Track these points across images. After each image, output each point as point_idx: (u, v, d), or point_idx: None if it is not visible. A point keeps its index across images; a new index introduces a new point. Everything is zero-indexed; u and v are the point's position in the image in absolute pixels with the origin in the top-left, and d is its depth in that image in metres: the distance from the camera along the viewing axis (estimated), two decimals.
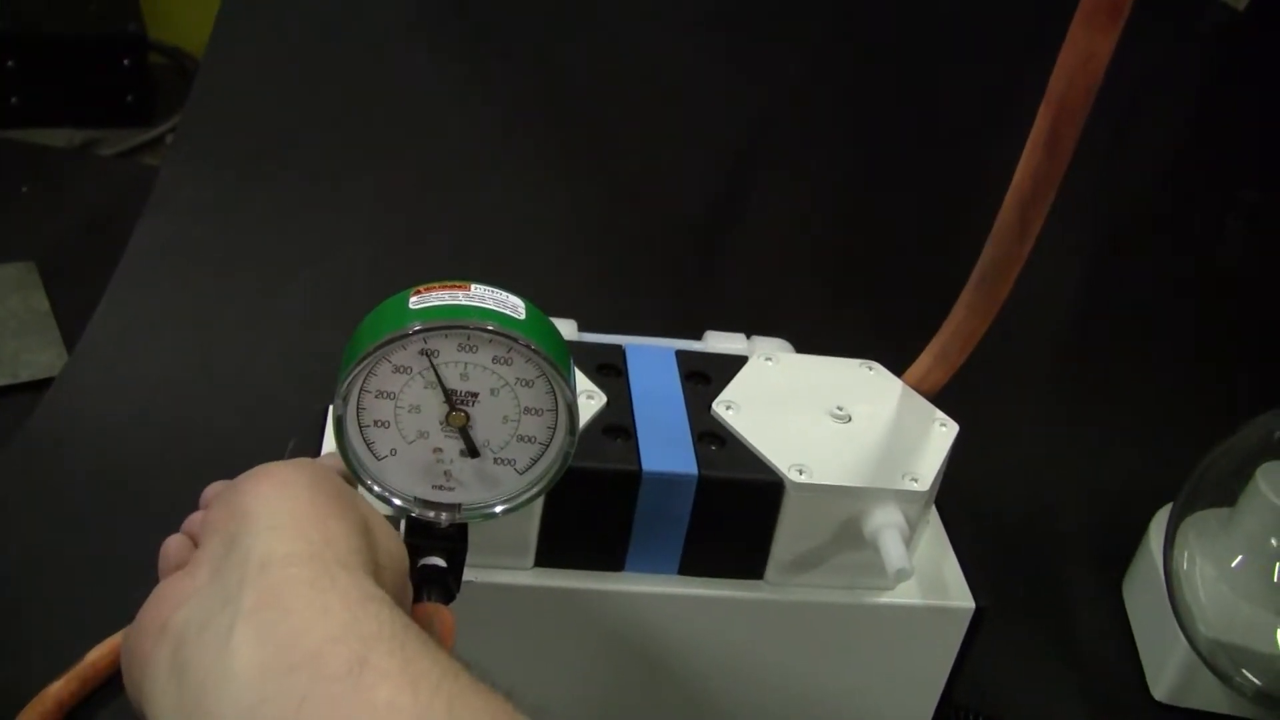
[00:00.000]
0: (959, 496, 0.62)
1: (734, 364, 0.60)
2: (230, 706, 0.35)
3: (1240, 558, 0.65)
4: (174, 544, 0.46)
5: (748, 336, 0.64)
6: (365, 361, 0.44)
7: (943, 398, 0.60)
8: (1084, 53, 0.47)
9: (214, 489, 0.47)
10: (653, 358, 0.60)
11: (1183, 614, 0.67)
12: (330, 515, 0.41)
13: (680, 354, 0.60)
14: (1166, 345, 0.93)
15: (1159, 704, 0.73)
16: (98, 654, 0.65)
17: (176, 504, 0.49)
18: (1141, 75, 0.85)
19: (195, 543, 0.45)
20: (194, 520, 0.47)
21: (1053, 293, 0.91)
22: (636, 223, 0.86)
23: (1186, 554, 0.67)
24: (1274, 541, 0.65)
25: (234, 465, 0.44)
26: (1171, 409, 0.89)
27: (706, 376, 0.59)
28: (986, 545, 0.69)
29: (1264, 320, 0.92)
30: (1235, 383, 0.89)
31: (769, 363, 0.60)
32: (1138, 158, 0.91)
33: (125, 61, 1.19)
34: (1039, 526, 0.84)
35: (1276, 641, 0.63)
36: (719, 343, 0.63)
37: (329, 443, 0.57)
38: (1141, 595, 0.77)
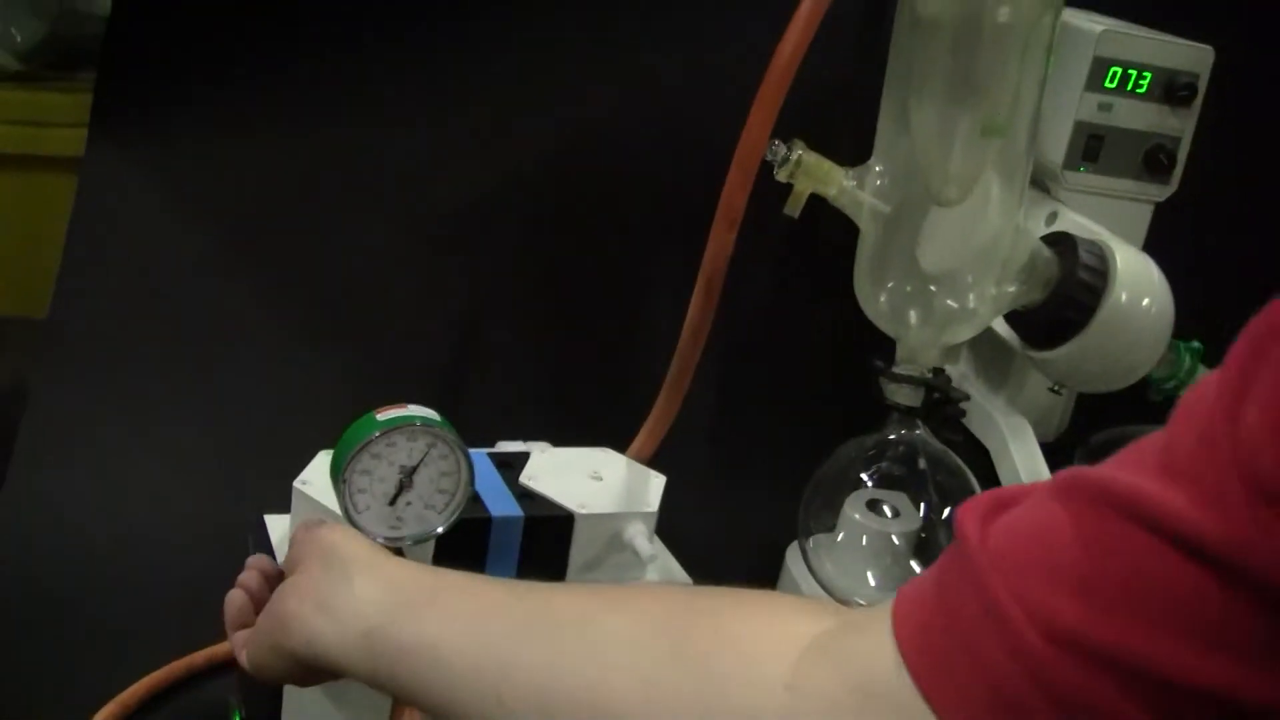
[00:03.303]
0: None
1: (524, 456, 0.95)
2: (368, 608, 0.67)
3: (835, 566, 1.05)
4: (237, 597, 0.76)
5: (524, 440, 0.99)
6: (358, 454, 0.77)
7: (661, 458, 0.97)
8: (719, 241, 0.86)
9: (261, 560, 0.78)
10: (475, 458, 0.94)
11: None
12: (359, 540, 0.74)
13: (490, 455, 0.95)
14: (817, 394, 1.28)
15: None
16: None
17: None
18: None
19: (250, 594, 0.76)
20: (247, 580, 0.77)
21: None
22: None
23: (803, 571, 1.05)
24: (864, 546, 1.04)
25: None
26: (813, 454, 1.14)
27: (510, 464, 0.94)
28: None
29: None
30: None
31: (545, 453, 0.96)
32: None
33: None
34: (708, 551, 1.15)
35: None
36: (509, 446, 0.98)
37: (273, 531, 0.88)
38: None
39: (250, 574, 0.77)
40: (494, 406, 1.14)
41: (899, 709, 0.52)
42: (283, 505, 0.88)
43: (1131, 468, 0.49)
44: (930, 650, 0.52)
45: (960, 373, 1.17)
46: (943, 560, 0.54)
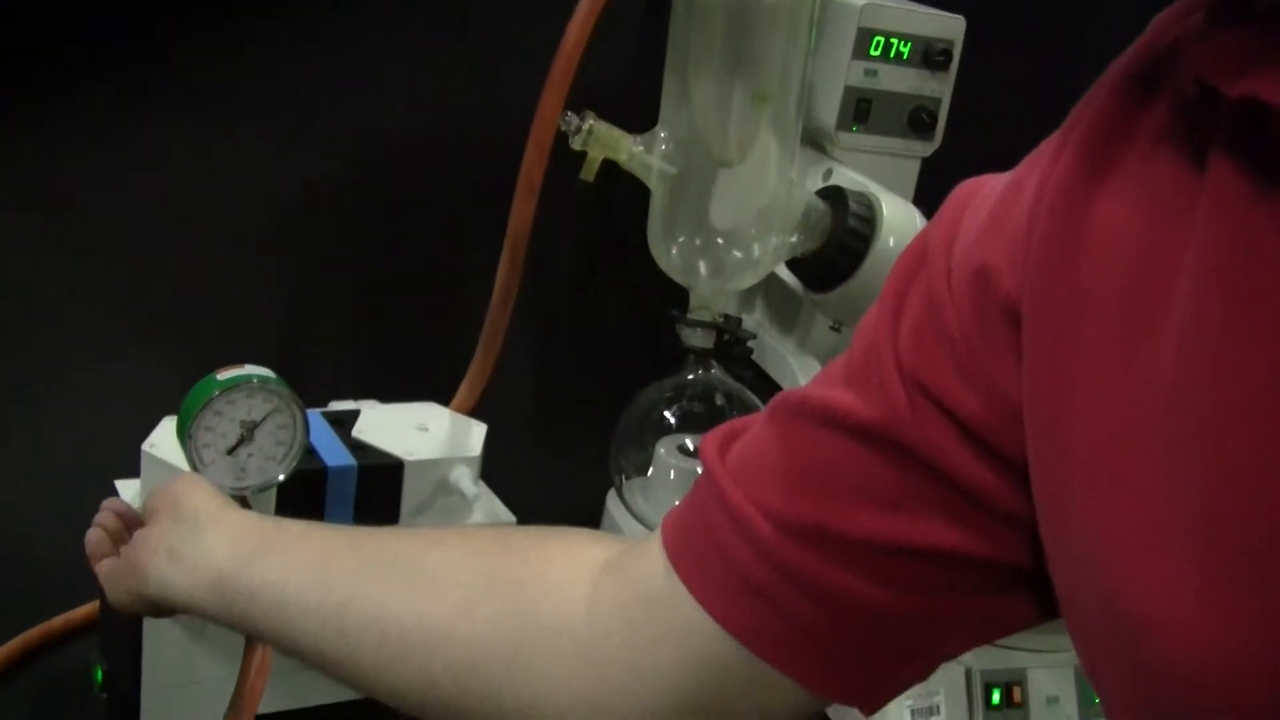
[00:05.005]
0: None
1: (355, 414, 1.03)
2: (217, 558, 0.75)
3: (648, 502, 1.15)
4: (95, 534, 0.83)
5: (355, 399, 1.07)
6: (202, 412, 0.84)
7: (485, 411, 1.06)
8: (520, 209, 0.96)
9: (116, 502, 0.85)
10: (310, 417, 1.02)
11: None
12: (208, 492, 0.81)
13: (323, 414, 1.03)
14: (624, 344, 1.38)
15: None
16: None
17: None
18: None
19: (106, 531, 0.83)
20: (103, 519, 0.84)
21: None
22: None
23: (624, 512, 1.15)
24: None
25: None
26: (626, 401, 1.20)
27: (343, 421, 1.02)
28: None
29: None
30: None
31: (374, 410, 1.04)
32: None
33: None
34: (532, 496, 1.15)
35: None
36: (341, 405, 1.06)
37: (124, 494, 0.95)
38: None
39: (105, 514, 0.84)
40: (326, 370, 1.22)
41: (674, 608, 0.63)
42: (133, 470, 0.95)
43: (821, 383, 0.62)
44: (691, 555, 0.63)
45: (756, 320, 1.27)
46: (695, 485, 0.66)
